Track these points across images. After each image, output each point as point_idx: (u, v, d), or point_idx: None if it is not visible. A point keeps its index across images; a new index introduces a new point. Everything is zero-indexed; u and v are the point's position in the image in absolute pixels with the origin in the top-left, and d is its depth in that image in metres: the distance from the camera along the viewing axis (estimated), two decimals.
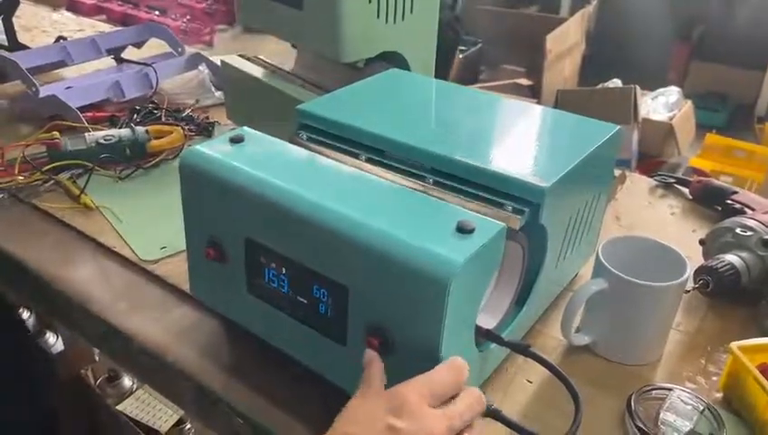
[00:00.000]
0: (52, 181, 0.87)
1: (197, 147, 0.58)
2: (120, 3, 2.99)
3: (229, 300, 0.60)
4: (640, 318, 0.59)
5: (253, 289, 0.57)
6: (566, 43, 2.68)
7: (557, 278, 0.66)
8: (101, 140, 0.90)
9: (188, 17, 2.80)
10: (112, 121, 1.04)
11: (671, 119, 2.55)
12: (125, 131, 0.93)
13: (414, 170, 0.59)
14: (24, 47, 1.23)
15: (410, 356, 0.47)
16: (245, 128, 0.62)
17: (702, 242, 0.74)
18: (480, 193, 0.55)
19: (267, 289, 0.56)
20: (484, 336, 0.51)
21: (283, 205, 0.51)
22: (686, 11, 3.16)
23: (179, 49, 1.21)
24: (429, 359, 0.46)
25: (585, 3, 3.19)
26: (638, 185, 0.95)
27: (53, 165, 0.87)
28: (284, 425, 0.55)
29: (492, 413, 0.46)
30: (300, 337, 0.55)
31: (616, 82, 2.70)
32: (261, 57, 1.04)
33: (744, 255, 0.68)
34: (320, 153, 0.62)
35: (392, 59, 0.90)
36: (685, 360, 0.63)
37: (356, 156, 0.60)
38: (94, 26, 1.62)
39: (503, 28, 2.91)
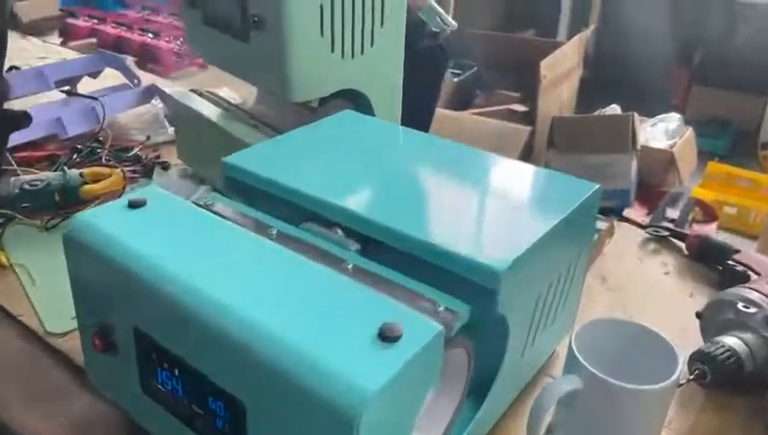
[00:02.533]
0: None
1: (85, 214, 0.49)
2: (113, 26, 2.93)
3: (125, 393, 0.50)
4: (622, 424, 0.49)
5: (146, 389, 0.47)
6: (562, 67, 2.59)
7: (526, 364, 0.56)
8: (26, 186, 0.81)
9: (182, 39, 2.72)
10: (52, 162, 0.95)
11: (672, 147, 2.45)
12: (55, 175, 0.83)
13: (336, 248, 0.48)
14: None
15: None
16: (153, 187, 0.53)
17: (699, 316, 0.63)
18: (420, 277, 0.45)
19: (161, 391, 0.45)
20: None
21: (171, 295, 0.41)
22: (685, 34, 3.08)
23: (135, 81, 1.12)
24: None
25: (583, 26, 3.11)
26: (627, 238, 0.85)
27: None
28: None
29: None
30: None
31: (615, 109, 2.61)
32: (214, 92, 0.95)
33: (746, 336, 0.57)
34: (236, 218, 0.52)
35: (352, 98, 0.81)
36: None
37: (267, 229, 0.50)
38: (60, 54, 1.53)
39: (497, 52, 2.83)
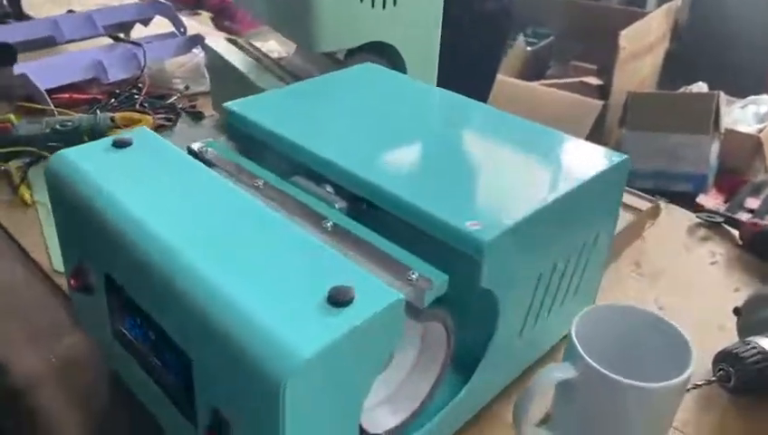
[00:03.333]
0: (1, 168, 0.80)
1: (68, 150, 0.48)
2: None
3: (100, 335, 0.49)
4: (619, 422, 0.44)
5: (115, 334, 0.46)
6: (645, 39, 2.42)
7: (526, 347, 0.51)
8: (57, 126, 0.82)
9: None
10: (92, 105, 0.96)
11: (760, 131, 2.26)
12: (86, 117, 0.84)
13: (321, 205, 0.45)
14: (27, 18, 1.17)
15: None
16: (144, 129, 0.51)
17: (737, 312, 0.56)
18: (407, 244, 0.41)
19: (127, 338, 0.44)
20: None
21: (135, 241, 0.39)
22: None
23: (181, 29, 1.11)
24: None
25: None
26: (676, 222, 0.77)
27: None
28: None
29: None
30: (160, 402, 0.43)
31: (701, 87, 2.42)
32: (254, 44, 0.93)
33: None
34: (226, 167, 0.50)
35: (382, 52, 0.76)
36: None
37: (255, 180, 0.48)
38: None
39: (576, 21, 2.67)
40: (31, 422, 0.51)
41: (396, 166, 0.48)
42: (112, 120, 0.84)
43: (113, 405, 0.51)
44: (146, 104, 0.93)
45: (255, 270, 0.36)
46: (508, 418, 0.50)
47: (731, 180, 2.17)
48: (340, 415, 0.35)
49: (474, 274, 0.40)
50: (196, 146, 0.53)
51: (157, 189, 0.43)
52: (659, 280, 0.67)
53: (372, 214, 0.46)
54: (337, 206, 0.46)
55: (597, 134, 2.27)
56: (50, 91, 0.92)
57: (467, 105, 0.59)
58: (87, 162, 0.46)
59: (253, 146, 0.55)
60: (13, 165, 0.80)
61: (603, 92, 2.36)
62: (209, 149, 0.53)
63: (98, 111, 0.85)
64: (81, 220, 0.45)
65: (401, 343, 0.39)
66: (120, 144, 0.48)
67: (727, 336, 0.57)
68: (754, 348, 0.50)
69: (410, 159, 0.49)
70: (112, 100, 0.95)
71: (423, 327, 0.42)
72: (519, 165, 0.49)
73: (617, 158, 0.49)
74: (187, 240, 0.38)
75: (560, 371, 0.44)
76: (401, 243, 0.42)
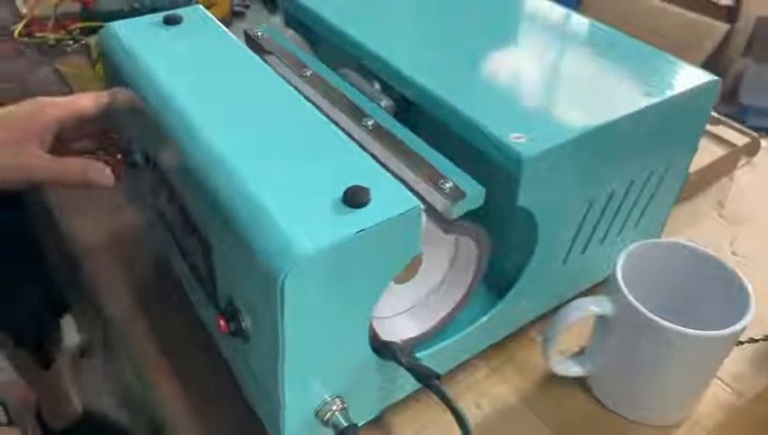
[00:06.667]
0: (82, 42, 0.82)
1: (118, 23, 0.47)
2: None
3: (146, 211, 0.50)
4: (654, 367, 0.41)
5: (156, 212, 0.46)
6: None
7: (571, 275, 0.48)
8: (136, 4, 0.82)
9: None
10: None
11: None
12: None
13: (366, 101, 0.43)
14: None
15: (261, 350, 0.35)
16: (198, 7, 0.50)
17: None
18: (450, 152, 0.38)
19: (166, 219, 0.45)
20: (380, 346, 0.37)
21: (166, 119, 0.39)
22: None
23: None
24: (274, 358, 0.33)
25: None
26: None
27: (82, 25, 0.81)
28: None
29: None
30: (191, 284, 0.44)
31: None
32: None
33: None
34: (277, 53, 0.48)
35: None
36: (726, 433, 0.44)
37: (303, 68, 0.45)
38: None
39: None
40: (90, 288, 0.54)
41: (449, 70, 0.44)
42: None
43: (159, 279, 0.53)
44: None
45: (277, 160, 0.34)
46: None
47: None
48: (345, 318, 0.34)
49: (511, 190, 0.37)
50: (252, 30, 0.51)
51: (195, 70, 0.42)
52: (741, 225, 0.61)
53: (417, 118, 0.43)
54: (382, 104, 0.44)
55: (714, 61, 2.05)
56: None
57: (544, 9, 0.53)
58: (134, 36, 0.45)
59: (309, 35, 0.53)
60: (92, 40, 0.81)
61: (731, 15, 2.11)
62: (264, 34, 0.51)
63: None
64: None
65: (429, 254, 0.38)
66: (170, 20, 0.47)
67: None
68: None
69: (466, 64, 0.45)
70: None
71: (454, 241, 0.40)
72: (586, 78, 0.44)
73: (703, 78, 0.43)
74: (215, 123, 0.37)
75: (595, 304, 0.41)
76: (444, 151, 0.39)
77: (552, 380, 0.46)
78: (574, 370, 0.45)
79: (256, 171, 0.34)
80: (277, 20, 0.89)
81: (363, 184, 0.32)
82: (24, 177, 0.43)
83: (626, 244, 0.48)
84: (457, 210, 0.35)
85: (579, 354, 0.47)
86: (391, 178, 0.34)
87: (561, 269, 0.46)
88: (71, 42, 0.81)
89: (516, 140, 0.37)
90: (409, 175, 0.37)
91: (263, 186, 0.33)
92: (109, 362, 0.99)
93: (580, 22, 0.51)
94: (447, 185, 0.36)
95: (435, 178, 0.37)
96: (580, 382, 0.46)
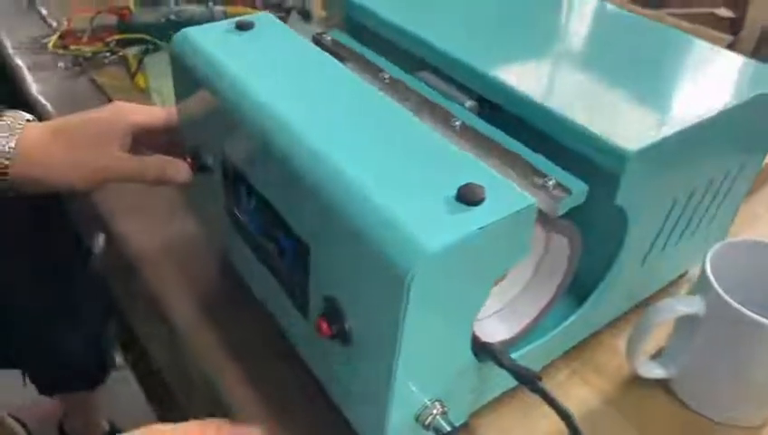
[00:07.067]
0: (119, 54, 0.81)
1: (192, 29, 0.47)
2: None
3: (213, 216, 0.50)
4: (741, 365, 0.41)
5: (229, 216, 0.46)
6: None
7: (647, 276, 0.48)
8: (172, 16, 0.82)
9: None
10: None
11: None
12: (201, 9, 0.84)
13: (449, 103, 0.43)
14: None
15: (367, 354, 0.34)
16: (266, 14, 0.50)
17: None
18: (531, 151, 0.38)
19: (241, 221, 0.44)
20: (479, 349, 0.36)
21: (255, 124, 0.39)
22: None
23: None
24: (386, 362, 0.32)
25: None
26: None
27: (119, 36, 0.81)
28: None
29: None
30: (268, 286, 0.44)
31: None
32: None
33: None
34: (349, 58, 0.48)
35: None
36: None
37: (379, 72, 0.45)
38: None
39: None
40: (144, 294, 0.54)
41: (532, 69, 0.44)
42: (225, 13, 0.84)
43: (222, 285, 0.52)
44: (257, 1, 0.92)
45: (383, 162, 0.34)
46: (617, 346, 0.48)
47: None
48: (457, 316, 0.33)
49: (609, 188, 0.37)
50: (321, 36, 0.51)
51: (280, 73, 0.42)
52: None
53: (501, 118, 0.43)
54: (466, 105, 0.44)
55: None
56: None
57: (610, 10, 0.54)
58: (210, 42, 0.45)
59: (371, 39, 0.52)
60: (129, 52, 0.81)
61: (734, 26, 2.14)
62: (335, 39, 0.51)
63: (211, 3, 0.84)
64: (201, 99, 0.44)
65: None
66: (242, 26, 0.47)
67: None
68: None
69: (547, 63, 0.45)
70: None
71: (545, 240, 0.40)
72: (671, 76, 0.44)
73: None
74: (312, 127, 0.37)
75: (686, 304, 0.41)
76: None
77: (634, 381, 0.45)
78: (657, 371, 0.44)
79: (364, 171, 0.33)
80: (313, 29, 0.89)
81: (474, 182, 0.32)
82: (100, 177, 0.45)
83: (695, 244, 0.48)
84: (563, 207, 0.35)
85: (657, 356, 0.47)
86: (500, 176, 0.33)
87: (638, 271, 0.46)
88: (108, 53, 0.81)
89: (617, 137, 0.36)
90: (510, 173, 0.37)
91: (374, 185, 0.32)
92: (147, 376, 0.98)
93: (654, 26, 0.51)
94: (551, 182, 0.36)
95: (534, 176, 0.37)
96: (662, 384, 0.45)
